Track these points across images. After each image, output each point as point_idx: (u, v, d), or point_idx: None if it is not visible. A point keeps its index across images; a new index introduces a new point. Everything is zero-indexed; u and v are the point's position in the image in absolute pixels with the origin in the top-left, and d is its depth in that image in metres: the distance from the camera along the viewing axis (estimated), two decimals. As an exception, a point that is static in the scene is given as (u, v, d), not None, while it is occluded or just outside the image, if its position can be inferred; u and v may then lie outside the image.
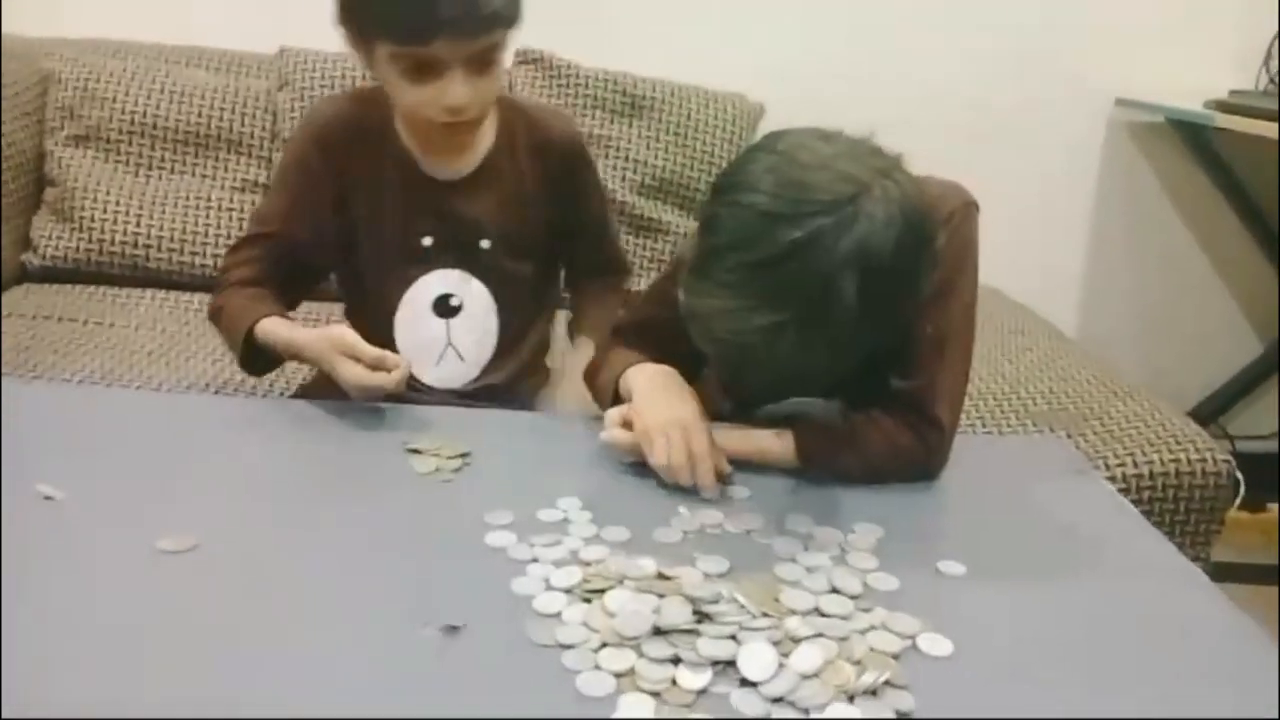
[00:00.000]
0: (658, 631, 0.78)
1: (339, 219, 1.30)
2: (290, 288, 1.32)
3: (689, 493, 1.02)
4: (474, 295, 1.33)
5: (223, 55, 2.17)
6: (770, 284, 0.87)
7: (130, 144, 2.07)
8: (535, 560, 0.89)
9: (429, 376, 1.33)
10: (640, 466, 1.06)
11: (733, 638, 0.77)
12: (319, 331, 1.17)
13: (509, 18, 1.16)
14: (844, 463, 1.06)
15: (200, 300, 1.98)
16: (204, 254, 2.05)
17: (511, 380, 1.38)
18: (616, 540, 0.93)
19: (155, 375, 1.68)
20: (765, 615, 0.80)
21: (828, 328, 0.87)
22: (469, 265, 1.32)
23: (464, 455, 1.07)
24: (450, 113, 1.17)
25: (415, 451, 1.08)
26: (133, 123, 2.06)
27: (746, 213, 0.88)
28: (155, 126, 2.07)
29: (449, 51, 1.13)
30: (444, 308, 1.33)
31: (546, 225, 1.36)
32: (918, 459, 1.08)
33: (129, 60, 2.11)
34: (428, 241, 1.30)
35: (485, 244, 1.32)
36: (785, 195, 0.87)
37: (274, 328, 1.21)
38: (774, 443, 1.07)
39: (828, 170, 0.88)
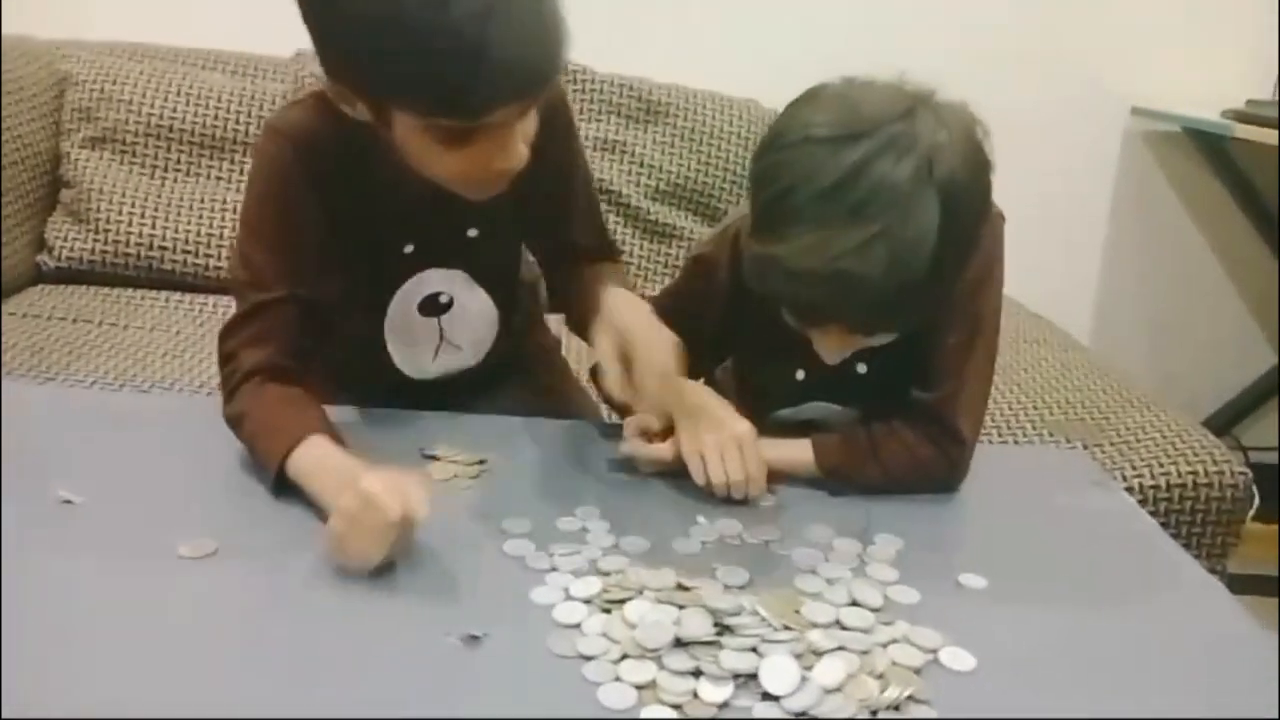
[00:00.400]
0: (679, 643, 0.77)
1: (330, 247, 1.11)
2: (306, 352, 1.10)
3: (707, 502, 1.02)
4: (462, 287, 1.21)
5: (239, 58, 2.18)
6: (849, 204, 0.85)
7: (146, 146, 2.08)
8: (554, 569, 0.89)
9: (430, 370, 1.25)
10: (657, 475, 1.06)
11: (754, 650, 0.77)
12: (390, 476, 0.87)
13: (565, 57, 0.95)
14: (864, 474, 1.06)
15: (215, 302, 1.99)
16: (218, 256, 2.05)
17: (518, 346, 1.32)
18: (635, 550, 0.93)
19: (168, 377, 1.69)
20: (787, 628, 0.79)
21: (916, 237, 0.85)
22: (454, 258, 1.19)
23: (481, 462, 1.07)
24: (503, 173, 0.99)
25: (432, 458, 1.07)
26: (149, 125, 2.07)
27: (806, 146, 0.88)
28: (171, 129, 2.08)
29: (505, 116, 0.93)
30: (433, 306, 1.20)
31: (532, 194, 1.12)
32: (939, 472, 1.07)
33: (145, 63, 2.12)
34: (409, 249, 1.16)
35: (473, 233, 1.18)
36: (842, 120, 0.88)
37: (320, 455, 0.97)
38: (795, 453, 1.07)
39: (876, 97, 0.89)
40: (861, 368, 1.10)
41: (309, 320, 1.10)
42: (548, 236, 1.26)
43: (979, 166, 0.90)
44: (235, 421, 1.05)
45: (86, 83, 2.07)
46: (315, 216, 1.08)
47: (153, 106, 2.07)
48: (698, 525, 0.98)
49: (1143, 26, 2.39)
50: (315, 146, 1.06)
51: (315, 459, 0.97)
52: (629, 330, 1.04)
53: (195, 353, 1.78)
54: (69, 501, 0.94)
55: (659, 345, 1.03)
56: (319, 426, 1.00)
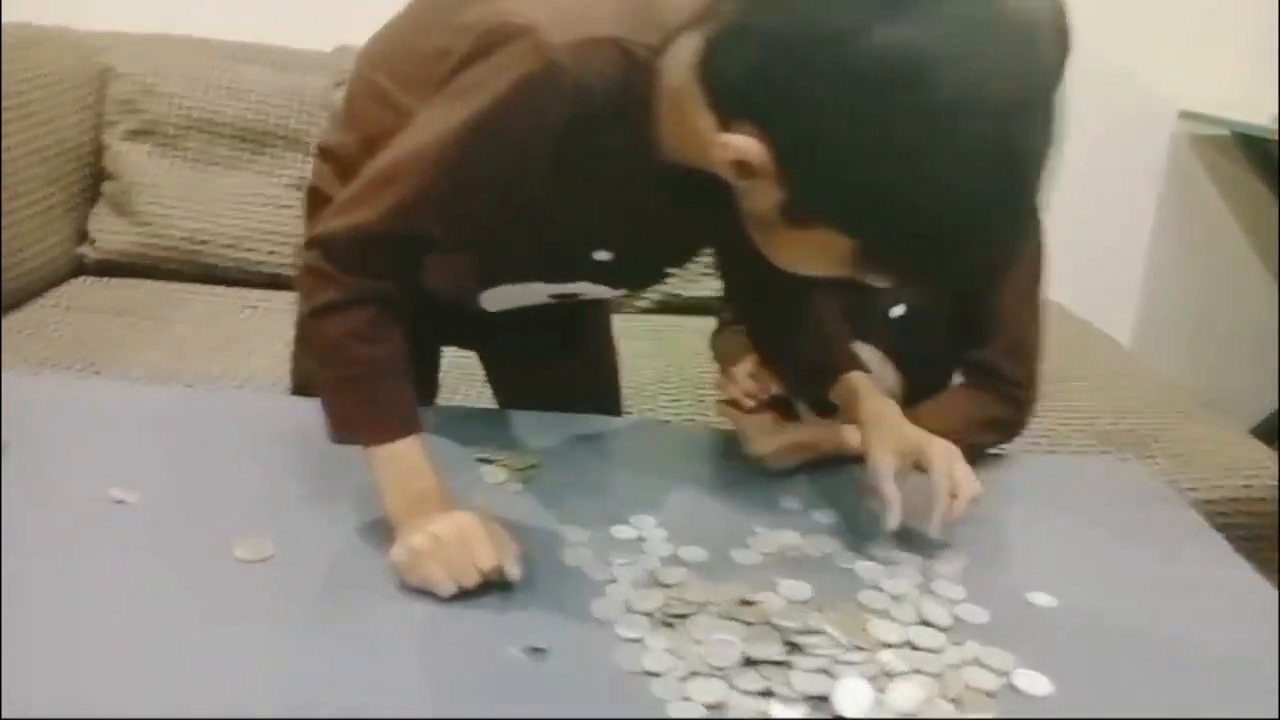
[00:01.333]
0: (748, 662, 0.76)
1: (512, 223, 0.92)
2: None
3: (764, 513, 1.00)
4: (606, 294, 1.11)
5: (280, 52, 2.18)
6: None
7: (188, 139, 2.08)
8: (614, 580, 0.87)
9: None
10: (714, 483, 1.05)
11: (825, 671, 0.75)
12: (496, 527, 0.86)
13: None
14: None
15: (257, 297, 1.99)
16: (260, 251, 2.05)
17: None
18: (694, 560, 0.91)
19: (211, 371, 1.68)
20: (858, 648, 0.77)
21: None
22: (641, 284, 1.11)
23: (533, 465, 1.06)
24: None
25: (486, 460, 1.06)
26: (191, 118, 2.08)
27: None
28: (213, 122, 2.08)
29: None
30: (566, 296, 1.07)
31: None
32: (1011, 426, 1.12)
33: (187, 56, 2.13)
34: (602, 256, 0.97)
35: (674, 272, 1.10)
36: None
37: (413, 461, 0.89)
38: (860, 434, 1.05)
39: None
40: (898, 309, 1.13)
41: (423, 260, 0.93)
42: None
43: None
44: (326, 346, 0.89)
45: (129, 75, 2.08)
46: (526, 185, 0.86)
47: (195, 99, 2.07)
48: (755, 535, 0.96)
49: (1192, 29, 2.35)
50: (589, 113, 0.81)
51: (409, 465, 0.89)
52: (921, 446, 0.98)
53: (239, 348, 1.78)
54: (121, 501, 0.93)
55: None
56: (418, 425, 0.90)
